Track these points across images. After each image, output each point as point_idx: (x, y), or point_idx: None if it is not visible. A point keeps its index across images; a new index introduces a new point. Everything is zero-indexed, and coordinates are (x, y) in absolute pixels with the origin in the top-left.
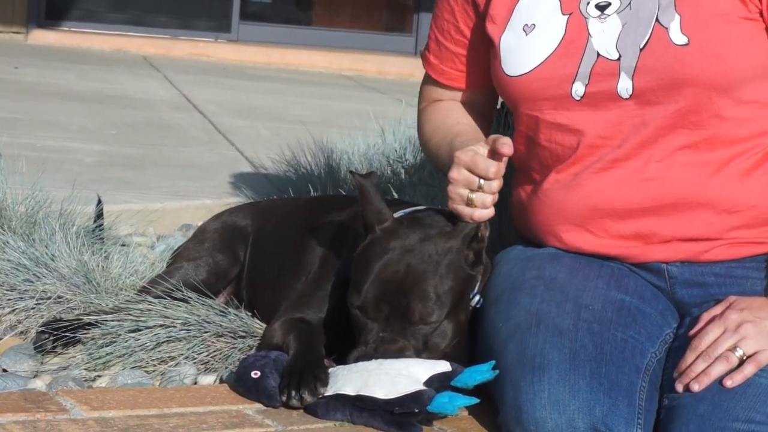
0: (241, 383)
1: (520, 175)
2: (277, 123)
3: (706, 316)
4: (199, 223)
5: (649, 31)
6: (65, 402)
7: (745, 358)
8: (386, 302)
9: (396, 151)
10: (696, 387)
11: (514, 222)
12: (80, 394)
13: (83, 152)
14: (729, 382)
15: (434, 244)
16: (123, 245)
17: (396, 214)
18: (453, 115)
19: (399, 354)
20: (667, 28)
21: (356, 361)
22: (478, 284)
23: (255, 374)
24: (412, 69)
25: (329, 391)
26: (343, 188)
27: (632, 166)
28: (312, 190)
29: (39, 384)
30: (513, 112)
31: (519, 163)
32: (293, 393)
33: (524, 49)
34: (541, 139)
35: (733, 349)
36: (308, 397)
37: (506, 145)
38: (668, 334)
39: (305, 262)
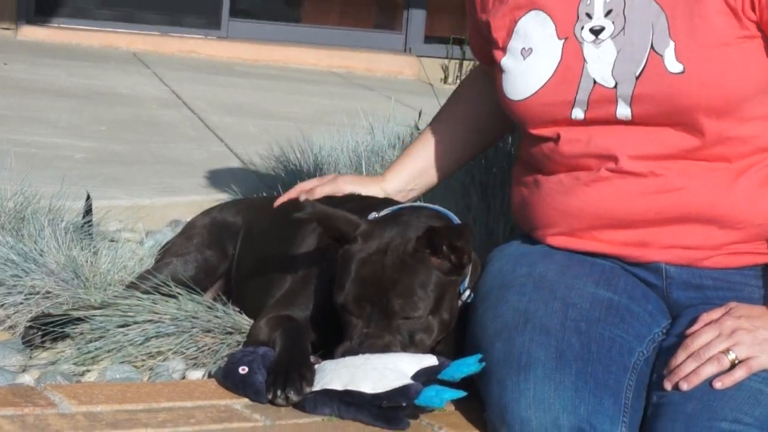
0: (229, 379)
1: (523, 168)
2: (266, 120)
3: (705, 318)
4: (189, 219)
5: (644, 59)
6: (53, 396)
7: (737, 362)
8: (367, 300)
9: (385, 148)
10: (685, 386)
11: (512, 213)
12: (68, 389)
13: (72, 148)
14: (719, 384)
15: (410, 243)
16: (112, 241)
17: (382, 213)
18: (446, 115)
19: (385, 349)
20: (662, 56)
21: (342, 356)
22: (467, 279)
23: (243, 370)
24: (401, 66)
25: (317, 386)
26: None
27: (637, 178)
28: None
29: (27, 379)
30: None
31: (524, 156)
32: (279, 392)
33: (522, 74)
34: (545, 149)
35: (726, 352)
36: (294, 397)
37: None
38: (656, 334)
39: (293, 259)
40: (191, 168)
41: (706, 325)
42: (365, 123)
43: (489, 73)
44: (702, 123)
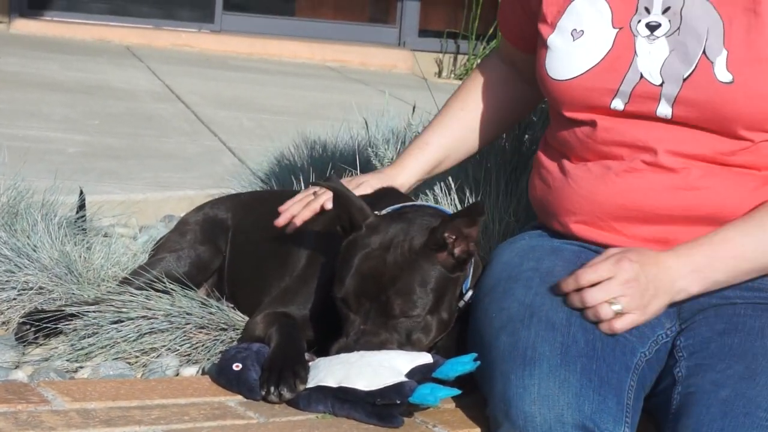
0: (222, 375)
1: (549, 154)
2: (260, 114)
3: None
4: (182, 214)
5: (695, 63)
6: (47, 393)
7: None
8: (366, 296)
9: (379, 143)
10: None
11: (532, 200)
12: (62, 386)
13: (65, 142)
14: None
15: (414, 240)
16: (105, 236)
17: (385, 210)
18: (470, 98)
19: (380, 347)
20: (713, 63)
21: (337, 352)
22: (469, 279)
23: (236, 367)
24: (396, 60)
25: (311, 383)
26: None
27: (669, 173)
28: (295, 182)
29: (20, 375)
30: (552, 106)
31: (552, 142)
32: (272, 389)
33: (569, 55)
34: (579, 134)
35: (611, 302)
36: (287, 394)
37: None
38: (660, 335)
39: (291, 258)
40: (185, 162)
41: (606, 259)
42: (359, 117)
43: (507, 60)
44: (740, 133)
